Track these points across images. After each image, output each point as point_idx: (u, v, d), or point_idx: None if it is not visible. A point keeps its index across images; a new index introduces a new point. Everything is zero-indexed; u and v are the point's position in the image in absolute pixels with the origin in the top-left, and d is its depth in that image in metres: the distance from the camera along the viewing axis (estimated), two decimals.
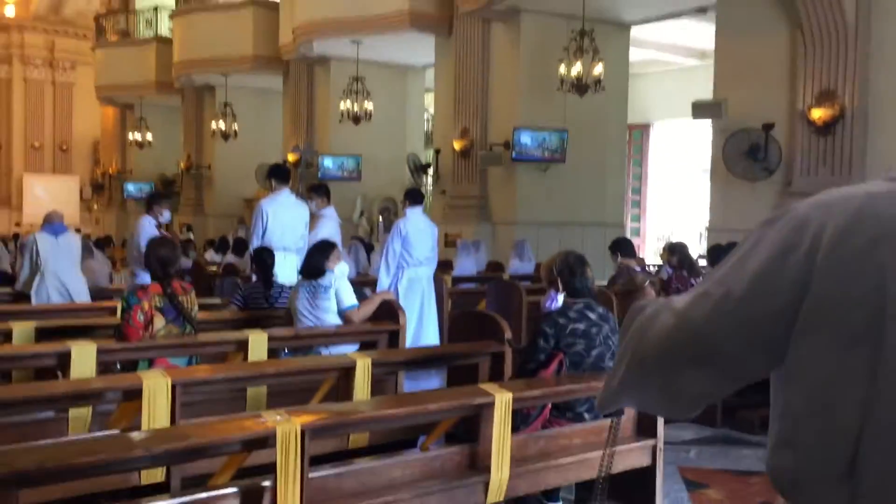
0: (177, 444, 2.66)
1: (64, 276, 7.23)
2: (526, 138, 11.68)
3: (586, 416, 3.95)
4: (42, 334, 4.84)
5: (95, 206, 24.82)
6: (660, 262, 9.95)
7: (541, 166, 11.92)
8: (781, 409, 1.13)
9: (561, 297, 3.99)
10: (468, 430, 3.69)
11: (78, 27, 25.93)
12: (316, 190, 7.93)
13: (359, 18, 13.35)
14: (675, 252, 7.46)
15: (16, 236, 16.03)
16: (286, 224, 7.08)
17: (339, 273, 5.23)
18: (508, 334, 4.64)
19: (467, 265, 9.67)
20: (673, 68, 16.01)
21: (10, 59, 26.24)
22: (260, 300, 5.70)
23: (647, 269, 8.91)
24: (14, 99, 26.34)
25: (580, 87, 10.91)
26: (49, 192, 25.13)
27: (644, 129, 17.23)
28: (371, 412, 3.13)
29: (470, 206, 12.51)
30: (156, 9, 20.33)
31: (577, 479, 4.00)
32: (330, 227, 7.61)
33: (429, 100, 16.21)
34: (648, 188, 17.63)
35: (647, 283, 2.34)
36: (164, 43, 19.43)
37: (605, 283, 7.18)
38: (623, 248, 6.93)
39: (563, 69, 10.90)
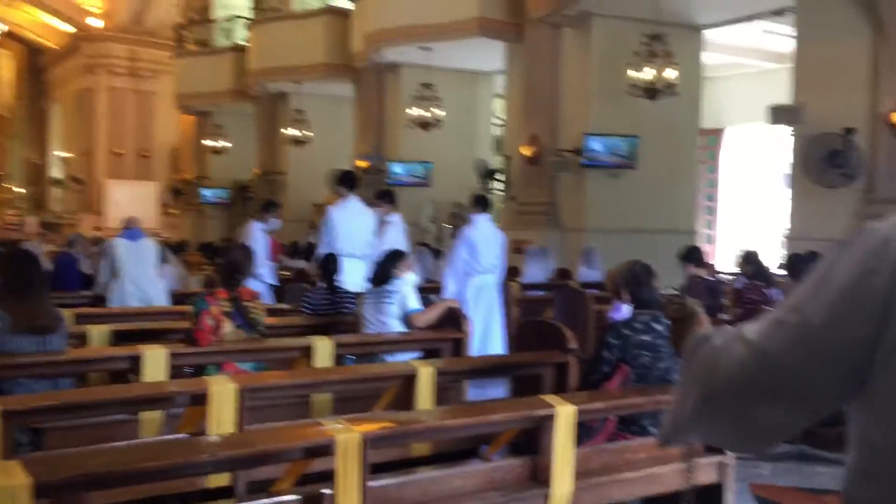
0: (239, 451, 2.70)
1: (141, 280, 7.43)
2: (596, 144, 11.55)
3: (652, 430, 3.86)
4: (118, 337, 4.99)
5: (173, 211, 25.51)
6: (734, 270, 9.71)
7: (611, 172, 11.77)
8: (860, 438, 1.08)
9: (627, 308, 3.93)
10: (531, 441, 3.65)
11: (159, 37, 26.72)
12: (382, 196, 7.99)
13: (429, 26, 13.41)
14: (749, 261, 7.27)
15: (98, 241, 16.58)
16: (354, 230, 7.15)
17: (407, 280, 5.27)
18: (573, 344, 4.58)
19: (535, 272, 9.60)
20: (749, 71, 15.61)
21: (95, 69, 27.19)
22: (326, 306, 5.77)
23: (718, 277, 8.68)
24: (98, 108, 27.28)
25: (651, 91, 10.74)
26: (130, 198, 25.92)
27: (718, 133, 16.84)
28: (431, 423, 3.13)
29: (539, 212, 12.43)
30: (233, 18, 20.82)
31: (643, 494, 3.92)
32: (396, 234, 7.67)
33: (498, 106, 16.18)
34: (722, 194, 17.22)
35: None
36: (240, 52, 19.88)
37: (675, 291, 7.03)
38: (693, 257, 6.79)
39: (634, 74, 10.74)
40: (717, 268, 11.87)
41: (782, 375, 1.08)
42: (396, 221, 7.87)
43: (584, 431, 3.76)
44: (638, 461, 3.73)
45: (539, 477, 3.40)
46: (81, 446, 3.71)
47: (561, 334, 4.64)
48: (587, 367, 3.97)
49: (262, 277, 8.06)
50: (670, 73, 10.57)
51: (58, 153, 31.91)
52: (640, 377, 3.84)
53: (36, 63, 32.12)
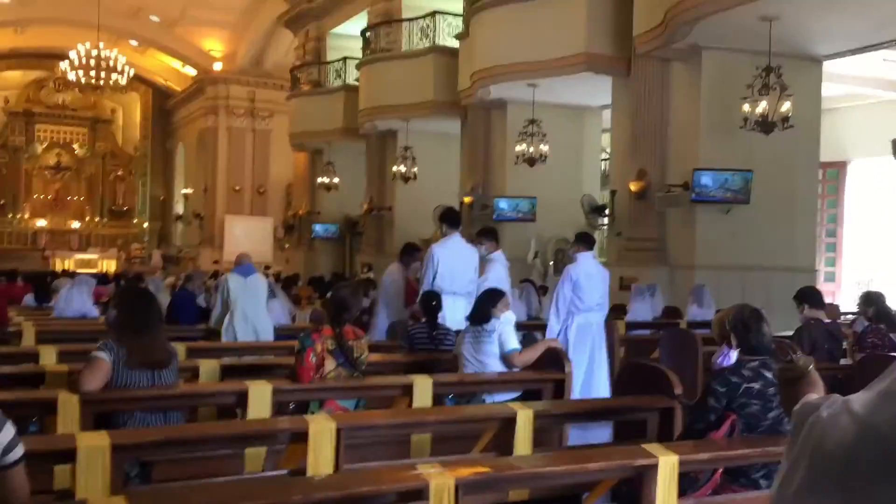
0: (333, 493, 2.72)
1: (251, 314, 7.67)
2: (707, 179, 11.23)
3: (762, 482, 3.66)
4: (226, 372, 5.14)
5: (287, 246, 26.33)
6: (856, 311, 9.20)
7: (723, 208, 11.41)
8: None
9: (734, 354, 3.76)
10: (631, 491, 3.53)
11: (276, 79, 27.87)
12: (485, 234, 7.98)
13: (536, 62, 13.44)
14: (871, 303, 6.87)
15: (216, 274, 17.26)
16: (456, 268, 7.17)
17: (505, 320, 5.23)
18: (679, 389, 4.42)
19: (641, 310, 9.37)
20: (872, 102, 14.91)
21: (216, 109, 28.59)
22: (425, 342, 5.79)
23: (839, 320, 8.24)
24: (219, 146, 28.62)
25: (766, 125, 10.39)
26: (247, 233, 26.95)
27: (840, 166, 16.12)
28: (526, 469, 3.06)
29: (646, 248, 12.17)
30: (344, 59, 21.49)
31: None
32: (499, 272, 7.64)
33: (605, 140, 16.01)
34: (845, 230, 16.41)
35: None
36: (351, 91, 20.46)
37: (789, 334, 6.71)
38: (810, 298, 6.45)
39: (746, 107, 10.43)
40: (841, 308, 11.29)
41: (893, 451, 1.00)
42: (500, 259, 7.85)
43: (689, 483, 3.60)
44: None
45: None
46: (188, 479, 3.84)
47: (666, 378, 4.49)
48: (692, 414, 3.81)
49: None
50: (786, 106, 10.21)
51: (181, 190, 33.58)
52: (748, 427, 3.65)
53: (162, 105, 34.04)
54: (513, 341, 5.18)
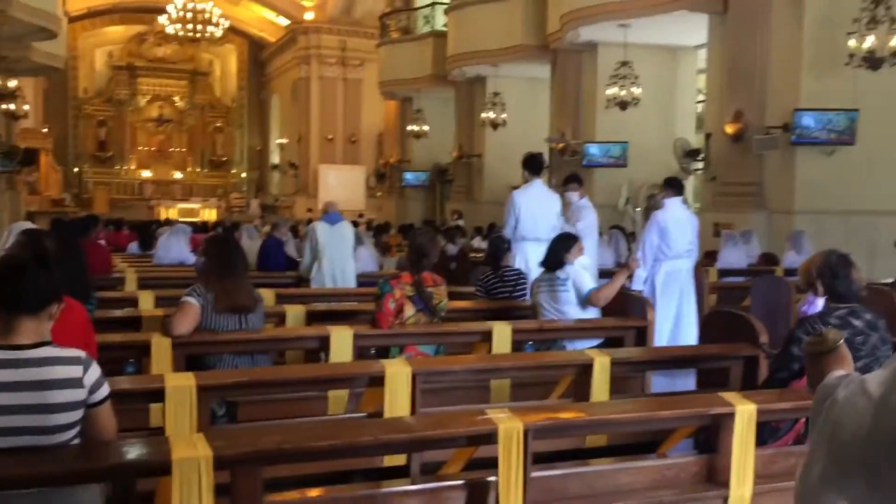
0: (402, 437, 2.78)
1: (339, 262, 7.83)
2: (808, 120, 10.73)
3: None
4: (312, 318, 5.28)
5: (378, 194, 26.64)
6: None
7: (825, 150, 10.90)
8: None
9: (820, 302, 3.62)
10: (708, 439, 3.48)
11: (366, 27, 27.91)
12: (573, 180, 7.87)
13: (627, 1, 13.03)
14: None
15: (309, 222, 17.63)
16: (538, 214, 7.11)
17: (579, 266, 5.16)
18: (764, 338, 4.30)
19: (731, 258, 9.10)
20: None
21: (308, 59, 28.89)
22: (499, 288, 5.79)
23: None
24: (312, 96, 28.99)
25: (873, 60, 9.82)
26: (339, 182, 27.37)
27: None
28: (595, 416, 3.05)
29: (743, 193, 11.76)
30: (433, 5, 21.32)
31: None
32: (591, 218, 7.55)
33: (700, 82, 15.46)
34: None
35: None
36: (439, 37, 20.33)
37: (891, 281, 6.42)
38: None
39: (853, 42, 9.87)
40: None
41: None
42: (588, 205, 7.74)
43: (770, 432, 3.52)
44: None
45: (716, 478, 3.23)
46: (273, 419, 3.99)
47: (751, 326, 4.38)
48: (776, 362, 3.70)
49: None
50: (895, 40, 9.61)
51: (276, 140, 34.29)
52: None
53: (257, 56, 34.65)
54: (588, 282, 5.12)
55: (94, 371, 2.46)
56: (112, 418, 2.56)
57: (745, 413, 3.15)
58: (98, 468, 2.42)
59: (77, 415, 2.42)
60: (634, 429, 3.57)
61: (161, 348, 4.02)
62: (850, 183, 10.85)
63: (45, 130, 28.84)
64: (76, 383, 2.39)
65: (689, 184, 13.75)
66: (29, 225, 5.39)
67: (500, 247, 6.00)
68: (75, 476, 2.39)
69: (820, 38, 10.69)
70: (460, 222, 16.51)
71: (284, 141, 32.84)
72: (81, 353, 2.46)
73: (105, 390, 2.49)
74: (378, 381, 3.65)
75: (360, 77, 28.85)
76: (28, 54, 17.31)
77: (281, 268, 8.34)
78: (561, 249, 5.20)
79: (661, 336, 6.75)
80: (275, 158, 34.87)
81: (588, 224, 7.67)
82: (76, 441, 2.46)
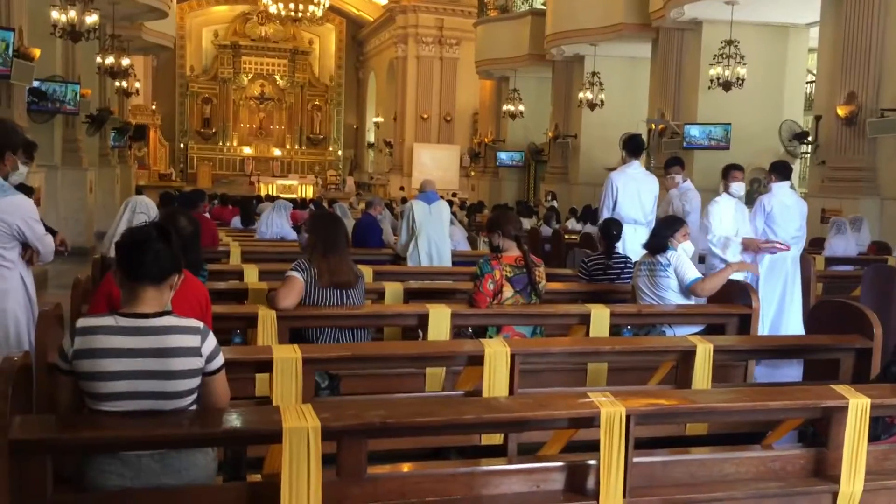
0: (504, 416, 2.79)
1: (435, 240, 7.89)
2: None
3: None
4: (409, 295, 5.35)
5: (472, 174, 26.67)
6: None
7: None
8: None
9: None
10: (816, 433, 3.37)
11: (463, 5, 27.87)
12: (673, 163, 7.70)
13: None
14: None
15: (403, 200, 17.83)
16: (635, 196, 7.00)
17: (682, 251, 5.04)
18: (878, 329, 4.12)
19: (839, 246, 8.73)
20: None
21: (406, 38, 29.06)
22: (602, 272, 5.72)
23: None
24: (408, 75, 29.18)
25: None
26: (434, 160, 27.53)
27: None
28: (700, 404, 2.99)
29: (853, 178, 11.25)
30: None
31: None
32: (698, 202, 7.40)
33: (811, 62, 14.82)
34: None
35: None
36: (538, 16, 20.12)
37: None
38: None
39: None
40: None
41: None
42: (692, 188, 7.57)
43: (885, 427, 3.39)
44: None
45: (825, 472, 3.13)
46: (372, 393, 4.07)
47: (864, 317, 4.20)
48: (891, 355, 3.55)
49: None
50: None
51: (373, 119, 34.71)
52: None
53: (355, 35, 35.09)
54: (692, 271, 4.99)
55: (211, 341, 2.56)
56: (226, 387, 2.66)
57: (858, 406, 3.03)
58: (214, 434, 2.52)
59: (195, 382, 2.53)
60: (740, 418, 3.49)
61: (267, 320, 4.15)
62: None
63: (154, 107, 30.00)
64: (195, 352, 2.50)
65: (796, 168, 13.25)
66: (144, 199, 5.64)
67: (613, 233, 5.90)
68: (193, 440, 2.50)
69: None
70: (555, 203, 16.37)
71: (380, 119, 33.21)
72: (200, 324, 2.56)
73: (220, 360, 2.60)
74: (477, 360, 3.68)
75: (457, 56, 28.85)
76: (140, 33, 18.01)
77: (377, 245, 8.45)
78: (666, 233, 5.09)
79: (764, 325, 6.56)
80: (370, 137, 35.34)
81: (697, 207, 7.52)
82: (193, 407, 2.57)
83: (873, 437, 3.22)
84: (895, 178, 10.78)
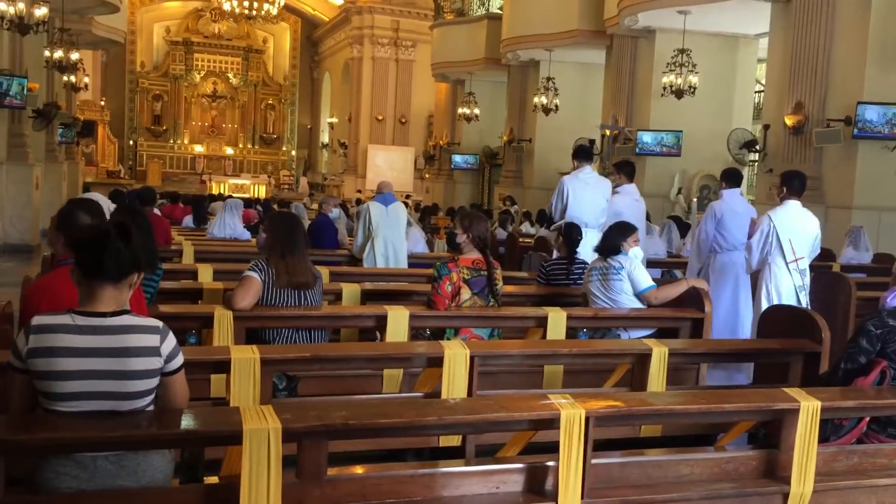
0: (465, 418, 2.80)
1: (392, 243, 7.87)
2: (871, 113, 10.47)
3: None
4: (367, 296, 5.33)
5: (427, 176, 26.68)
6: None
7: (888, 144, 10.63)
8: None
9: None
10: (769, 434, 3.45)
11: (420, 8, 27.89)
12: (616, 167, 7.86)
13: None
14: None
15: (358, 202, 17.77)
16: (587, 200, 7.10)
17: (633, 256, 5.12)
18: (826, 333, 4.23)
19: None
20: None
21: (361, 39, 28.95)
22: (561, 277, 5.77)
23: None
24: (363, 76, 29.08)
25: None
26: (388, 162, 27.47)
27: None
28: (659, 406, 3.04)
29: None
30: None
31: None
32: (624, 204, 7.48)
33: (760, 72, 15.16)
34: None
35: None
36: (494, 20, 20.23)
37: None
38: None
39: None
40: None
41: None
42: (629, 192, 7.68)
43: (833, 429, 3.48)
44: (893, 467, 3.39)
45: (776, 474, 3.20)
46: (330, 394, 4.05)
47: (812, 322, 4.31)
48: (841, 356, 3.64)
49: None
50: None
51: (327, 119, 34.50)
52: None
53: (310, 34, 34.86)
54: (646, 278, 5.08)
55: (171, 341, 2.52)
56: (185, 387, 2.63)
57: (809, 409, 3.11)
58: (173, 434, 2.48)
59: (153, 382, 2.48)
60: (695, 420, 3.55)
61: (223, 321, 4.10)
62: None
63: (103, 103, 29.42)
64: (154, 352, 2.46)
65: (745, 175, 13.52)
66: (99, 196, 5.52)
67: (576, 237, 5.96)
68: (151, 441, 2.46)
69: (886, 29, 10.41)
70: (514, 209, 16.44)
71: (335, 120, 33.04)
72: (159, 323, 2.52)
73: (180, 360, 2.56)
74: (436, 361, 3.68)
75: (412, 58, 28.84)
76: (89, 27, 17.65)
77: (333, 246, 8.40)
78: (619, 238, 5.16)
79: (715, 328, 6.68)
80: (325, 137, 35.12)
81: (617, 210, 7.55)
82: (150, 408, 2.53)
83: (823, 439, 3.30)
84: (840, 186, 11.07)
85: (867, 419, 3.48)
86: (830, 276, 7.37)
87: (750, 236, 6.34)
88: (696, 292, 5.22)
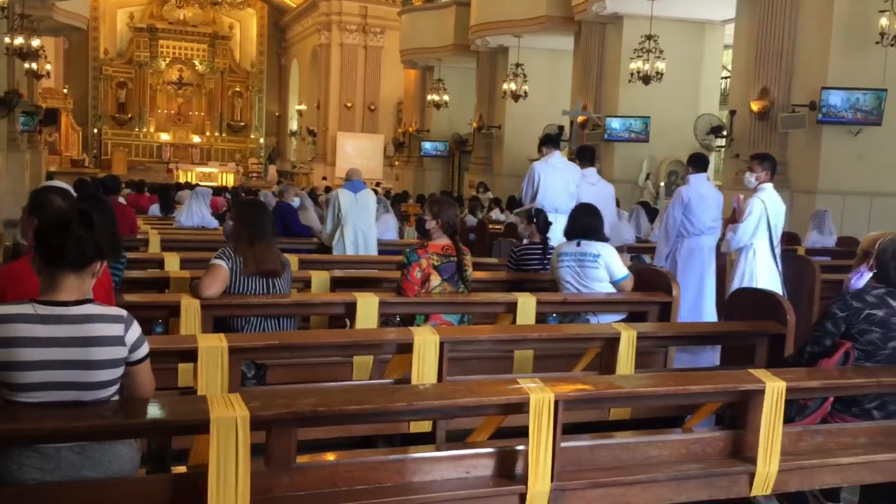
0: (435, 403, 2.80)
1: (362, 230, 7.84)
2: (835, 98, 10.60)
3: (875, 413, 3.56)
4: (336, 284, 5.30)
5: (396, 163, 26.59)
6: None
7: (851, 129, 10.78)
8: None
9: (867, 277, 3.61)
10: (735, 416, 3.49)
11: None
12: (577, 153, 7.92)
13: None
14: None
15: (326, 189, 17.67)
16: (558, 185, 7.13)
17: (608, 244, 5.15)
18: (791, 316, 4.29)
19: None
20: None
21: (329, 25, 28.70)
22: (532, 262, 5.78)
23: None
24: (332, 63, 28.84)
25: None
26: (357, 150, 27.32)
27: None
28: (627, 389, 3.06)
29: None
30: None
31: (860, 481, 3.63)
32: (587, 190, 7.52)
33: (727, 58, 15.29)
34: None
35: None
36: (462, 6, 20.15)
37: None
38: None
39: (884, 21, 9.75)
40: None
41: None
42: (586, 175, 7.72)
43: (798, 409, 3.53)
44: (856, 446, 3.45)
45: (743, 454, 3.24)
46: (299, 382, 4.03)
47: (778, 304, 4.36)
48: (807, 338, 3.69)
49: None
50: None
51: (295, 106, 34.20)
52: (867, 354, 3.53)
53: (277, 21, 34.48)
54: (621, 267, 5.10)
55: (136, 330, 2.49)
56: (151, 377, 2.59)
57: (774, 390, 3.15)
58: (139, 424, 2.45)
59: (118, 372, 2.45)
60: (663, 403, 3.58)
61: (190, 310, 4.06)
62: (875, 164, 10.75)
63: (66, 91, 28.90)
64: (118, 341, 2.42)
65: (712, 161, 13.65)
66: (61, 185, 5.42)
67: (547, 223, 5.96)
68: (117, 431, 2.43)
69: (850, 15, 10.54)
70: (489, 195, 16.40)
71: (303, 107, 32.78)
72: (123, 312, 2.49)
73: (145, 349, 2.53)
74: (406, 348, 3.67)
75: (381, 45, 28.67)
76: (51, 14, 17.31)
77: (303, 233, 8.34)
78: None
79: (682, 312, 6.75)
80: (293, 125, 34.83)
81: (582, 195, 7.59)
82: (115, 398, 2.49)
83: (788, 420, 3.35)
84: (805, 171, 11.21)
85: (831, 399, 3.54)
86: (796, 260, 7.47)
87: (736, 218, 6.27)
88: (664, 277, 5.26)
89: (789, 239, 9.62)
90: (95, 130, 31.78)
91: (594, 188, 7.60)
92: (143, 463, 2.69)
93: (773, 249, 6.26)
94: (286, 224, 8.24)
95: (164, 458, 2.93)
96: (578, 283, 5.06)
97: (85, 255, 2.40)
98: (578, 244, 5.13)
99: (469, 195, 17.45)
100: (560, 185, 7.26)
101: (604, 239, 5.19)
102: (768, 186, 6.29)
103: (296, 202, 9.20)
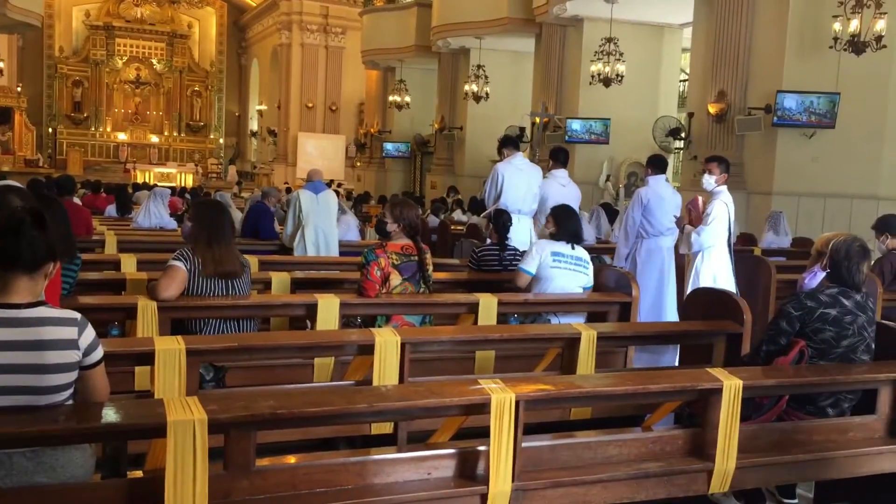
0: (396, 405, 2.79)
1: (323, 231, 7.79)
2: (790, 102, 10.80)
3: (830, 411, 3.62)
4: (297, 285, 5.26)
5: (358, 164, 26.49)
6: None
7: (806, 132, 10.99)
8: None
9: (821, 277, 3.67)
10: (693, 414, 3.53)
11: None
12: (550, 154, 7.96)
13: None
14: None
15: (288, 190, 17.53)
16: (521, 187, 7.15)
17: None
18: (748, 315, 4.35)
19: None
20: None
21: (290, 25, 28.52)
22: (493, 263, 5.79)
23: None
24: (293, 63, 28.64)
25: (857, 45, 9.91)
26: (319, 150, 27.18)
27: None
28: (587, 388, 3.08)
29: None
30: None
31: (816, 478, 3.71)
32: (552, 190, 7.56)
33: (685, 61, 15.49)
34: None
35: None
36: (424, 7, 20.15)
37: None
38: (892, 227, 6.21)
39: (837, 26, 9.95)
40: None
41: None
42: (556, 176, 7.77)
43: (754, 407, 3.58)
44: (811, 443, 3.51)
45: (701, 452, 3.28)
46: (260, 385, 3.98)
47: (735, 303, 4.42)
48: (762, 337, 3.75)
49: None
50: (880, 25, 9.69)
51: (256, 106, 33.89)
52: (820, 353, 3.59)
53: (237, 20, 34.14)
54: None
55: (89, 333, 2.44)
56: (105, 381, 2.54)
57: (731, 388, 3.19)
58: (93, 429, 2.40)
59: (72, 376, 2.40)
60: (623, 402, 3.61)
61: (147, 312, 3.99)
62: (828, 166, 10.97)
63: (19, 89, 28.33)
64: (71, 345, 2.37)
65: (671, 162, 13.83)
66: (15, 185, 5.30)
67: (507, 224, 5.97)
68: (70, 436, 2.37)
69: (805, 20, 10.74)
70: (458, 197, 16.36)
71: (264, 107, 32.50)
72: (77, 315, 2.43)
73: (99, 353, 2.48)
74: (367, 349, 3.65)
75: (342, 45, 28.56)
76: (4, 10, 16.95)
77: (270, 235, 8.26)
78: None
79: (641, 312, 6.81)
80: (253, 125, 34.52)
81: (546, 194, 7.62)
82: (69, 402, 2.44)
83: (745, 418, 3.40)
84: (760, 173, 11.40)
85: (786, 397, 3.59)
86: (751, 260, 7.58)
87: (693, 220, 6.32)
88: (624, 277, 5.30)
89: (746, 240, 9.79)
90: (50, 130, 31.16)
91: (564, 189, 7.63)
92: (97, 468, 2.64)
93: (730, 249, 6.35)
94: (257, 227, 8.17)
95: (119, 462, 2.88)
96: (568, 285, 5.08)
97: (37, 256, 2.34)
98: (573, 247, 5.15)
99: (431, 196, 17.44)
100: (523, 186, 7.29)
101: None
102: (724, 188, 6.38)
103: (273, 210, 9.09)
